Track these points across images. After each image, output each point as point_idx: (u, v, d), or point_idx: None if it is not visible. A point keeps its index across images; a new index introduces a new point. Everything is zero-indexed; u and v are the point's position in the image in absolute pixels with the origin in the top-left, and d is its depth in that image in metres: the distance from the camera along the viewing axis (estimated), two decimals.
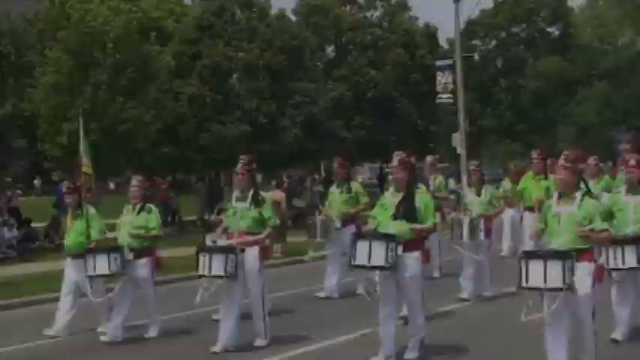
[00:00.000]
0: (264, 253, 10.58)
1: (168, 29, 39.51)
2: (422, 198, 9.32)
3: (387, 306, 9.22)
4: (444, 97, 38.89)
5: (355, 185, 14.32)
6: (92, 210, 11.64)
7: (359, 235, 9.37)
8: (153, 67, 28.79)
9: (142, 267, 11.20)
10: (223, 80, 34.49)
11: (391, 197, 9.35)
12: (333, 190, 14.27)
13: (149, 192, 12.09)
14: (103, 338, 11.09)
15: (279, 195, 20.34)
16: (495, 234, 15.43)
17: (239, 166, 10.50)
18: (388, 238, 8.88)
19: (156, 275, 11.60)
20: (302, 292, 14.83)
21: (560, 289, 7.81)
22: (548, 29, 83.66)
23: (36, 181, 50.90)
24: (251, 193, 10.44)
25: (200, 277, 10.10)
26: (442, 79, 38.57)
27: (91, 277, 11.10)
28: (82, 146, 11.91)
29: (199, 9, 38.64)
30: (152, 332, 11.35)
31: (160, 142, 31.61)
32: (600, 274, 8.25)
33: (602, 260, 9.28)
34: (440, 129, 53.35)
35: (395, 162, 9.34)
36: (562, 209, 8.22)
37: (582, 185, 8.39)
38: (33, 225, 23.37)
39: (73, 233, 11.61)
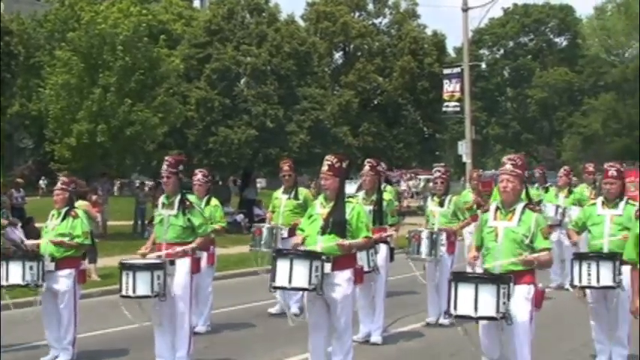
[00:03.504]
0: (194, 266, 9.30)
1: (177, 33, 39.64)
2: (354, 209, 8.17)
3: (317, 332, 8.16)
4: (451, 106, 39.10)
5: (304, 192, 13.23)
6: None
7: (279, 253, 8.07)
8: (161, 70, 28.83)
9: (64, 279, 9.94)
10: (231, 84, 34.50)
11: (320, 208, 8.26)
12: (280, 195, 13.20)
13: (75, 195, 10.73)
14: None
15: None
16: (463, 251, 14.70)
17: (164, 167, 9.29)
18: (311, 256, 7.79)
19: (80, 289, 10.34)
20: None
21: (494, 319, 6.98)
22: (556, 40, 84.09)
23: (42, 182, 50.92)
24: (178, 198, 9.26)
25: (123, 297, 8.85)
26: (449, 87, 38.79)
27: (3, 287, 10.03)
28: None
29: (209, 13, 38.75)
30: (63, 357, 9.99)
31: (167, 145, 31.68)
32: (540, 300, 7.28)
33: (575, 277, 8.50)
34: (446, 137, 53.57)
35: (324, 167, 8.17)
36: (500, 224, 7.35)
37: (523, 196, 7.49)
38: (36, 225, 23.40)
39: None
